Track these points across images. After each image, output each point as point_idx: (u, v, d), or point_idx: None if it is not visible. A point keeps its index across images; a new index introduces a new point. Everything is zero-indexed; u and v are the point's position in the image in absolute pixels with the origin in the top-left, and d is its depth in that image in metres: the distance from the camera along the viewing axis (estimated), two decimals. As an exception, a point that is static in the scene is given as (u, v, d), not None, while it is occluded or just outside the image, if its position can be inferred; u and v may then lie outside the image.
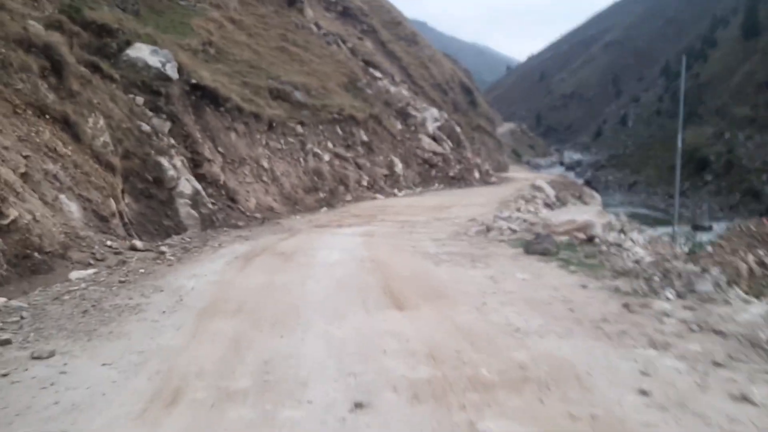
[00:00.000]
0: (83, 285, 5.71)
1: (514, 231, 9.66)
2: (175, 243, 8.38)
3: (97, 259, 6.33)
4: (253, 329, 4.53)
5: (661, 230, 21.48)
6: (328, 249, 8.34)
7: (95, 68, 10.05)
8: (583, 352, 3.98)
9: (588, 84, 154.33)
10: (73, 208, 6.92)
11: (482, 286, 6.00)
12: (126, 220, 8.23)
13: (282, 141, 16.65)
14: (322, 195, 17.01)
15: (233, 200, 12.51)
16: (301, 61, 23.65)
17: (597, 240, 8.32)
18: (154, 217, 9.26)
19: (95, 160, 8.09)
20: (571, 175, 65.66)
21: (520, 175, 40.37)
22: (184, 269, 6.77)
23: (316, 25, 29.86)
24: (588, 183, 52.36)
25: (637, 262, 6.95)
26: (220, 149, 13.42)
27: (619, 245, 7.96)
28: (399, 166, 23.53)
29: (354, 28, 37.17)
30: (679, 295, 5.34)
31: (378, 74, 30.32)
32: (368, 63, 30.89)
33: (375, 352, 4.00)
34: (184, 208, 9.88)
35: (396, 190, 21.88)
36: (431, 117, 29.66)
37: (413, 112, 28.54)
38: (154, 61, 12.52)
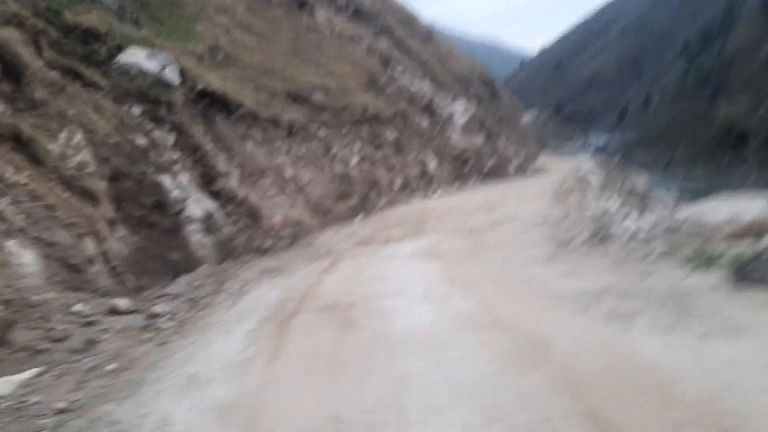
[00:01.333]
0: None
1: (648, 239, 7.01)
2: (179, 291, 6.30)
3: (54, 340, 4.30)
4: None
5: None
6: (399, 292, 5.62)
7: (75, 75, 8.23)
8: None
9: (607, 69, 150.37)
10: (26, 258, 4.95)
11: None
12: (114, 263, 6.29)
13: (304, 146, 14.77)
14: (353, 202, 15.12)
15: (256, 218, 10.63)
16: (317, 62, 21.89)
17: None
18: (156, 251, 7.26)
19: (65, 186, 6.16)
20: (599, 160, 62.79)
21: (552, 164, 38.21)
22: (180, 356, 4.48)
23: (329, 25, 28.11)
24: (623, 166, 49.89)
25: None
26: (236, 161, 11.57)
27: None
28: (432, 164, 21.59)
29: (368, 28, 35.39)
30: None
31: (398, 71, 28.46)
32: (386, 61, 29.03)
33: None
34: (194, 236, 7.91)
35: (431, 190, 19.98)
36: (458, 110, 27.75)
37: (439, 107, 26.65)
38: (151, 65, 10.72)
